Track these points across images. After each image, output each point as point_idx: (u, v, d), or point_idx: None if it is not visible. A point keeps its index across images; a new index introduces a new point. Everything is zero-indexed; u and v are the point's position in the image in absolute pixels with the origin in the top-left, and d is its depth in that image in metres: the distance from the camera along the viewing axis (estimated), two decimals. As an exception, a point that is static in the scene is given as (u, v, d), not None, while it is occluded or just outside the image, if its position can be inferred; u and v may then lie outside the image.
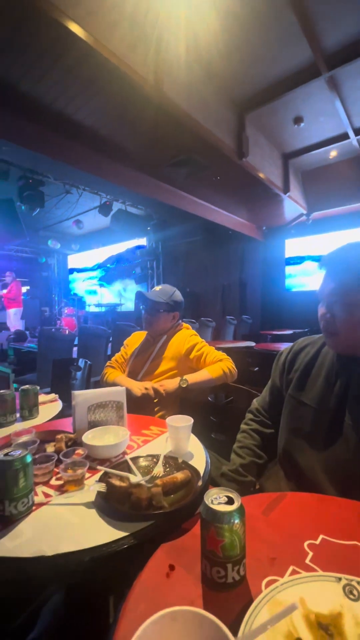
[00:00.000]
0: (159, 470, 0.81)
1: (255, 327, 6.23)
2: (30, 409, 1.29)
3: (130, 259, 8.32)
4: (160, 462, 0.84)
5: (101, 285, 9.08)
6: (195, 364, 1.56)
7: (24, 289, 8.39)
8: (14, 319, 6.73)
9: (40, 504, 0.71)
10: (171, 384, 1.45)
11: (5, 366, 3.76)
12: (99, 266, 9.06)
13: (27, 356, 3.87)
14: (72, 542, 0.59)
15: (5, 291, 6.88)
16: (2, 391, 1.24)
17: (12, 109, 2.87)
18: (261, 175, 4.04)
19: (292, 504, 0.71)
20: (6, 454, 0.67)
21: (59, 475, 0.81)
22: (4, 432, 1.16)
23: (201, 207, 5.34)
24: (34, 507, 0.69)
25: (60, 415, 1.39)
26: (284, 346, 3.54)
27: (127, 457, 0.87)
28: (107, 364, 1.75)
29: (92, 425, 1.03)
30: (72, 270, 10.25)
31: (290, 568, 0.54)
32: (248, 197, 5.06)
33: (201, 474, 0.80)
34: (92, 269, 9.35)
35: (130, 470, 0.81)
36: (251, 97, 3.40)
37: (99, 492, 0.71)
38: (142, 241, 8.26)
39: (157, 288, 1.69)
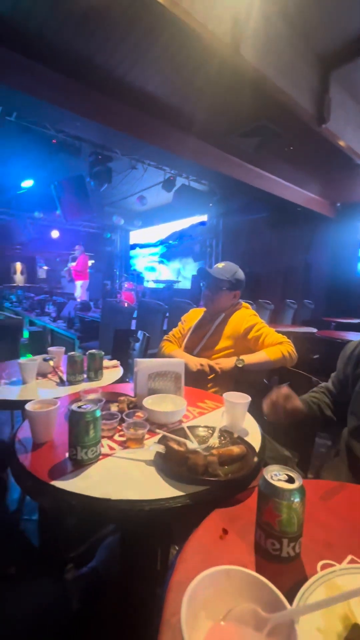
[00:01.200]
0: (214, 441, 0.83)
1: (317, 312, 5.82)
2: (95, 371, 1.41)
3: (193, 236, 8.26)
4: (216, 434, 0.86)
5: (161, 262, 9.23)
6: (253, 345, 1.53)
7: (90, 263, 8.96)
8: (81, 290, 7.27)
9: (106, 455, 0.79)
10: (227, 362, 1.45)
11: (71, 333, 4.13)
12: (161, 242, 9.14)
13: (90, 325, 4.17)
14: (134, 491, 0.65)
15: (74, 264, 7.43)
16: (72, 353, 1.37)
17: (87, 82, 2.93)
18: (341, 143, 3.61)
19: (354, 494, 0.68)
20: (79, 407, 0.75)
21: (121, 433, 0.88)
22: (73, 389, 1.30)
23: (269, 181, 5.00)
24: (100, 457, 0.77)
25: (121, 380, 1.49)
26: (350, 336, 3.28)
27: (184, 425, 0.91)
28: (165, 337, 1.80)
29: (151, 392, 1.08)
30: (134, 246, 10.51)
31: (349, 557, 0.52)
32: (323, 170, 4.59)
33: (257, 451, 0.80)
34: (154, 245, 9.47)
35: (187, 437, 0.85)
36: (339, 50, 2.99)
37: (158, 453, 0.76)
38: (203, 218, 8.12)
39: (220, 265, 1.67)
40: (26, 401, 0.86)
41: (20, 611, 0.68)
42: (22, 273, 13.35)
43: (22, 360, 1.35)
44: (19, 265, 13.22)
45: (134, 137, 3.55)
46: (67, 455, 0.75)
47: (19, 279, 12.97)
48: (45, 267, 13.38)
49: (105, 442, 0.84)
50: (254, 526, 0.55)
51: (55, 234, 8.80)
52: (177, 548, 0.61)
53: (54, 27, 2.38)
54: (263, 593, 0.40)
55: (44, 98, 2.83)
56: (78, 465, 0.73)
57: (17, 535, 0.88)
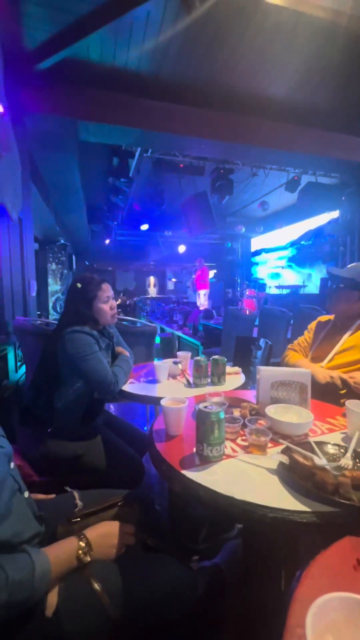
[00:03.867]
0: (347, 462, 0.75)
1: None
2: (219, 376, 1.48)
3: (325, 235, 7.51)
4: (349, 454, 0.78)
5: (289, 266, 8.70)
6: None
7: (211, 273, 9.38)
8: (203, 299, 7.71)
9: (229, 456, 0.83)
10: (364, 376, 1.27)
11: (195, 339, 4.42)
12: (292, 244, 8.61)
13: (213, 332, 4.36)
14: (256, 495, 0.66)
15: (195, 275, 7.97)
16: (198, 357, 1.48)
17: (210, 105, 3.14)
18: None
19: None
20: (205, 407, 0.82)
21: (244, 437, 0.90)
22: (198, 391, 1.40)
23: None
24: (224, 456, 0.81)
25: (243, 387, 1.52)
26: None
27: (311, 440, 0.86)
28: (289, 346, 1.72)
29: (274, 400, 1.07)
30: (259, 252, 10.23)
31: None
32: None
33: None
34: (284, 248, 8.97)
35: (313, 452, 0.80)
36: None
37: (281, 463, 0.74)
38: (333, 215, 7.29)
39: (352, 265, 1.49)
40: (160, 398, 1.00)
41: (156, 582, 0.75)
42: (154, 285, 15.20)
43: (157, 362, 1.56)
44: (152, 279, 15.12)
45: (258, 146, 3.57)
46: (194, 450, 0.83)
47: (152, 291, 14.81)
48: (173, 280, 14.78)
49: (228, 443, 0.89)
50: None
51: (182, 248, 9.64)
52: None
53: (182, 66, 2.68)
54: None
55: (175, 131, 3.20)
56: (204, 460, 0.79)
57: (153, 512, 1.02)
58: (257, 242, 10.41)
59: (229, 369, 1.64)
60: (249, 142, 3.48)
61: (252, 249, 10.66)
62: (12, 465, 0.72)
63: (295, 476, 0.70)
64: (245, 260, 10.89)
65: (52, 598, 0.63)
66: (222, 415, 0.80)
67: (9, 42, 2.27)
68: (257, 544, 0.91)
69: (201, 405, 0.82)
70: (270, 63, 2.67)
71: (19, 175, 2.28)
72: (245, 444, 0.88)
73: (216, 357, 1.49)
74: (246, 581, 0.96)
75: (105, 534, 0.77)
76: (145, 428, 2.36)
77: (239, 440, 0.91)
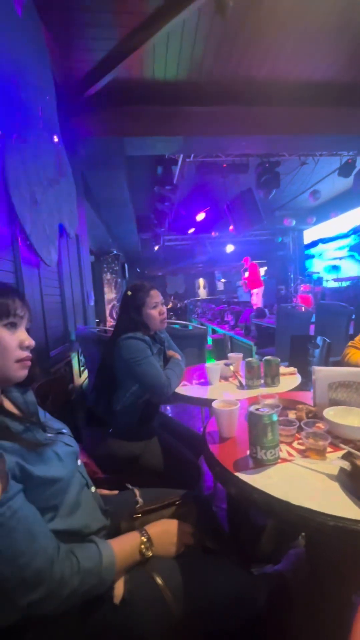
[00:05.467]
0: None
1: None
2: (272, 377, 1.44)
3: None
4: None
5: (351, 256, 7.98)
6: None
7: (262, 270, 9.08)
8: (256, 298, 7.50)
9: (285, 460, 0.80)
10: None
11: (248, 339, 4.32)
12: (354, 230, 7.85)
13: (266, 331, 4.22)
14: (315, 502, 0.63)
15: (246, 274, 7.77)
16: (250, 359, 1.46)
17: (248, 101, 3.07)
18: None
19: None
20: (257, 409, 0.81)
21: (300, 441, 0.87)
22: (251, 393, 1.38)
23: None
24: (279, 460, 0.79)
25: (299, 388, 1.45)
26: None
27: (376, 445, 0.79)
28: (350, 343, 1.60)
29: (333, 402, 1.01)
30: (315, 243, 9.56)
31: None
32: None
33: None
34: (344, 236, 8.18)
35: (379, 459, 0.74)
36: None
37: (342, 469, 0.70)
38: None
39: None
40: (212, 400, 1.01)
41: (217, 588, 0.74)
42: (204, 287, 15.25)
43: (208, 364, 1.57)
44: (201, 281, 15.19)
45: (304, 135, 3.40)
46: (248, 452, 0.82)
47: (202, 292, 14.88)
48: (223, 280, 14.66)
49: (284, 447, 0.86)
50: None
51: (229, 248, 9.52)
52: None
53: (221, 68, 2.68)
54: None
55: (219, 133, 3.20)
56: (258, 464, 0.78)
57: (210, 514, 1.03)
58: (310, 234, 9.81)
59: (283, 369, 1.58)
60: (297, 133, 3.33)
61: (306, 242, 10.07)
62: (79, 462, 0.79)
63: (358, 483, 0.66)
64: (298, 254, 10.35)
65: (119, 588, 0.68)
66: (275, 418, 0.78)
67: (60, 76, 2.50)
68: (321, 553, 0.87)
69: (253, 408, 0.81)
70: (314, 47, 2.53)
71: (74, 196, 2.49)
72: (302, 447, 0.85)
73: (269, 357, 1.45)
74: (311, 591, 0.92)
75: (165, 531, 0.80)
76: (200, 429, 2.39)
77: (295, 444, 0.88)
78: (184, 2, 1.98)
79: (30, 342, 0.66)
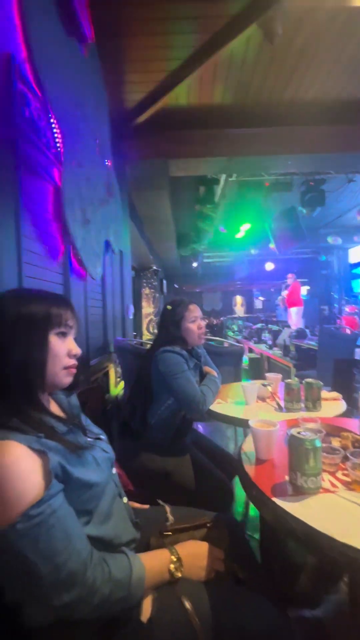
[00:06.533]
0: None
1: None
2: (313, 401, 1.36)
3: None
4: None
5: None
6: None
7: (304, 289, 8.77)
8: (296, 318, 7.21)
9: (328, 490, 0.75)
10: None
11: (287, 360, 4.15)
12: None
13: (307, 353, 4.02)
14: (363, 541, 0.58)
15: (286, 292, 7.55)
16: (289, 380, 1.40)
17: (297, 121, 3.08)
18: None
19: None
20: (298, 432, 0.76)
21: (345, 472, 0.81)
22: (291, 416, 1.31)
23: None
24: (321, 490, 0.74)
25: (344, 415, 1.35)
26: None
27: None
28: None
29: (384, 433, 0.92)
30: None
31: None
32: None
33: None
34: None
35: None
36: None
37: (394, 507, 0.64)
38: None
39: None
40: (248, 420, 0.97)
41: (248, 625, 0.68)
42: (241, 305, 15.07)
43: (244, 383, 1.53)
44: (239, 298, 15.04)
45: (351, 152, 3.31)
46: (286, 478, 0.78)
47: (239, 310, 14.69)
48: (261, 298, 14.40)
49: (326, 476, 0.80)
50: None
51: (269, 266, 9.36)
52: None
53: (267, 91, 2.73)
54: None
55: (262, 153, 3.24)
56: (298, 491, 0.74)
57: (243, 542, 0.97)
58: (357, 253, 9.36)
59: (326, 394, 1.50)
60: (344, 150, 3.25)
61: (351, 261, 9.62)
62: (114, 470, 0.80)
63: None
64: (343, 273, 9.89)
65: (147, 606, 0.66)
66: (319, 444, 0.73)
67: (113, 105, 2.71)
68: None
69: (294, 431, 0.77)
70: (356, 65, 2.49)
71: (120, 215, 2.64)
72: (348, 479, 0.78)
73: (310, 380, 1.38)
74: (355, 645, 0.82)
75: (195, 553, 0.77)
76: (231, 451, 2.30)
77: (339, 474, 0.82)
78: (232, 34, 2.07)
79: (77, 350, 0.70)
